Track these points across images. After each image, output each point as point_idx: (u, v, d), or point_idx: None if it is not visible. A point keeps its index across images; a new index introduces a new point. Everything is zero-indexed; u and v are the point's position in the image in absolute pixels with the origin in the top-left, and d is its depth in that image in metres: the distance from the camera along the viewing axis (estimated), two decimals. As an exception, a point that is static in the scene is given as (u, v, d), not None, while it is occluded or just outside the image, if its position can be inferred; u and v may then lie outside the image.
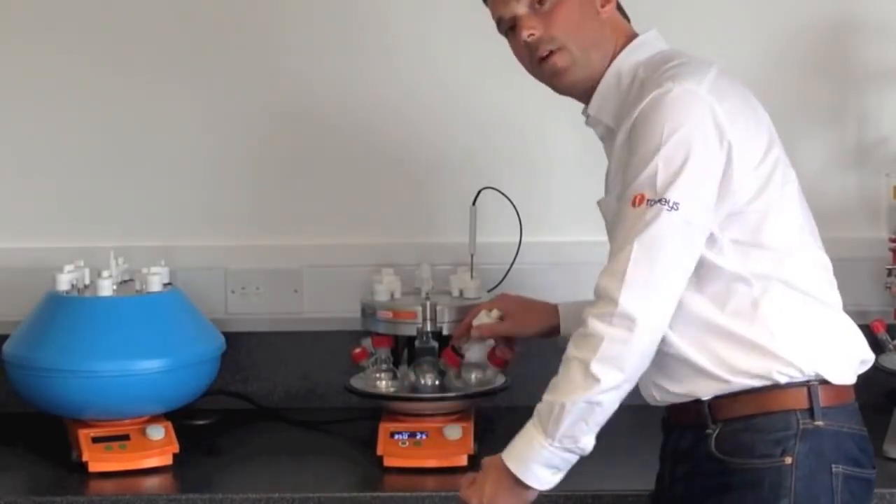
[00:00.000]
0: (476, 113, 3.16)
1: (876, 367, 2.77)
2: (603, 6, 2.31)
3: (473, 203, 2.84)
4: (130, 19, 3.14)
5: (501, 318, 2.66)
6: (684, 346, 2.22)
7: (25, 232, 3.17)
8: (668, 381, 2.27)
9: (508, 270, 2.92)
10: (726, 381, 2.22)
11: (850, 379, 2.28)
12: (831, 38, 3.11)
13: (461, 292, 2.86)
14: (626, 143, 2.21)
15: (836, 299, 2.31)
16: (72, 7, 3.14)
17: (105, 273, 2.80)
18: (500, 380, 2.81)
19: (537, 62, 2.33)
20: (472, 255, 2.82)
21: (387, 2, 3.15)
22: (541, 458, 2.19)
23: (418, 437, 2.73)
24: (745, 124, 2.22)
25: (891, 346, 2.84)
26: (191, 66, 3.15)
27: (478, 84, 3.14)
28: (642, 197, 2.14)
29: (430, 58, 3.15)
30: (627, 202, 2.16)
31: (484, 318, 2.66)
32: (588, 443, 2.19)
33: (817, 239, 2.32)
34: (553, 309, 2.63)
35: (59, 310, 2.78)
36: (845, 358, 2.27)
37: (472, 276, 2.85)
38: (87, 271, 2.85)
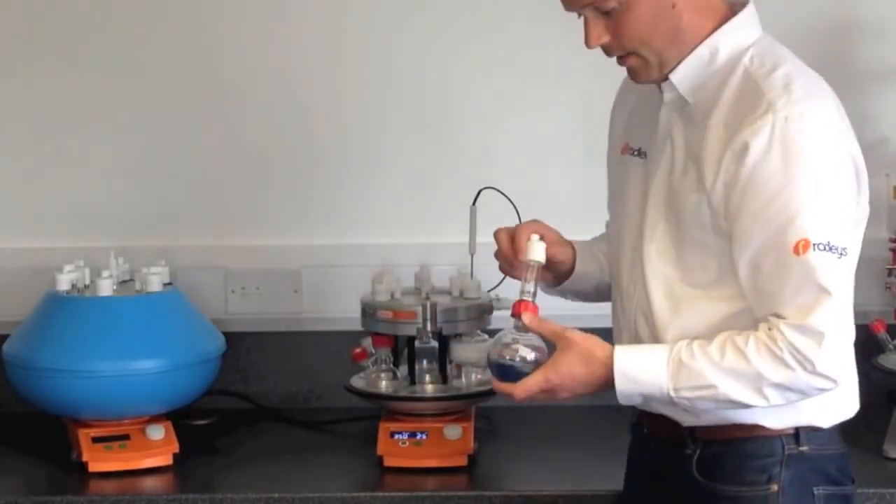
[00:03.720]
0: (476, 113, 3.15)
1: (876, 367, 2.78)
2: None
3: (473, 203, 2.84)
4: (123, 22, 3.14)
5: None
6: None
7: (25, 232, 3.17)
8: None
9: (508, 270, 2.92)
10: (709, 420, 2.14)
11: None
12: (831, 38, 3.11)
13: (461, 292, 2.85)
14: (734, 156, 2.04)
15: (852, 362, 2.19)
16: (65, 10, 3.14)
17: (105, 273, 2.80)
18: (500, 380, 2.81)
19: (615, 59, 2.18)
20: (472, 255, 2.82)
21: (387, 1, 3.15)
22: (648, 393, 2.08)
23: (418, 437, 2.73)
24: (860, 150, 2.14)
25: (891, 346, 2.84)
26: (188, 67, 3.15)
27: (478, 84, 3.14)
28: (807, 243, 2.01)
29: (431, 58, 3.14)
30: (787, 249, 2.01)
31: (535, 248, 2.22)
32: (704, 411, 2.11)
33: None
34: (569, 244, 2.38)
35: (59, 310, 2.77)
36: (838, 416, 2.19)
37: (472, 276, 2.85)
38: (87, 271, 2.84)
